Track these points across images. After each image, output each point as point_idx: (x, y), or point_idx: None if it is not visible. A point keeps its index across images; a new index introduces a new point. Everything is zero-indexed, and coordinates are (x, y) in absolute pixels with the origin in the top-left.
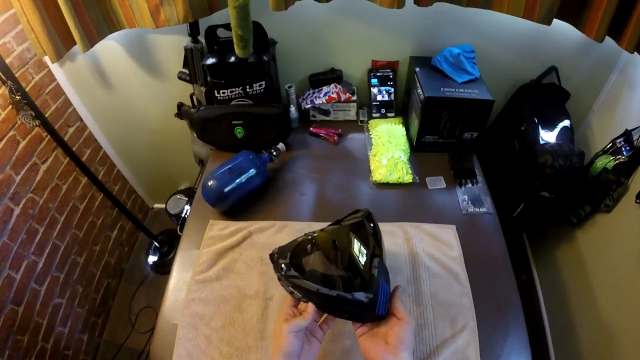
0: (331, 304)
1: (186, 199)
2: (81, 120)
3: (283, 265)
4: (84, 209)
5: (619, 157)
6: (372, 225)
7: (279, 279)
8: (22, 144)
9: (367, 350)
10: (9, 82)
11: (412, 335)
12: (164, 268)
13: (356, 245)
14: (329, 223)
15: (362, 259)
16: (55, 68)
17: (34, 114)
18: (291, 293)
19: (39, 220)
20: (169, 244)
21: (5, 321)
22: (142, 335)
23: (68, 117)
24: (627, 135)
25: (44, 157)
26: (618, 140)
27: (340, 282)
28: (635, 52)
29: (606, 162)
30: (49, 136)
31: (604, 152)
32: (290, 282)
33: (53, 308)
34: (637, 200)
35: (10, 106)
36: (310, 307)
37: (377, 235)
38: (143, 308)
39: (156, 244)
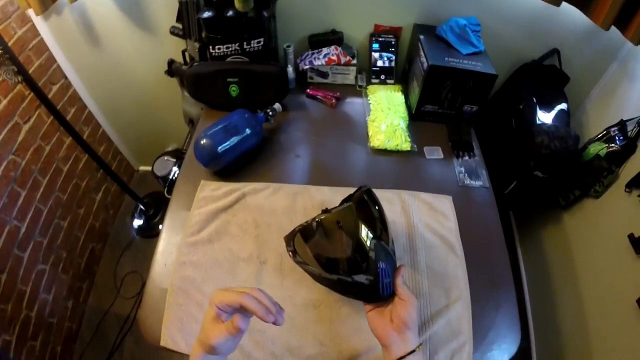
0: (336, 286)
1: (174, 160)
2: (66, 77)
3: (290, 252)
4: (68, 171)
5: (612, 145)
6: (377, 208)
7: None
8: (3, 102)
9: (374, 328)
10: None
11: (416, 315)
12: (149, 232)
13: (364, 231)
14: (335, 207)
15: (369, 243)
16: (39, 22)
17: (16, 70)
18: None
19: (21, 183)
20: (155, 207)
21: None
22: (128, 300)
23: (52, 74)
24: (622, 125)
25: (26, 116)
26: (612, 129)
27: (346, 265)
28: None
29: (599, 149)
30: (31, 94)
31: (598, 139)
32: (301, 267)
33: (37, 275)
34: (627, 189)
35: None
36: (237, 324)
37: (382, 218)
38: (128, 273)
39: (142, 207)
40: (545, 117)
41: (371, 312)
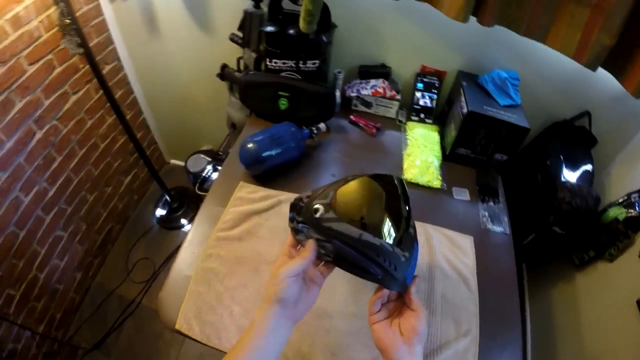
0: (360, 258)
1: (209, 159)
2: (119, 60)
3: (318, 206)
4: (104, 149)
5: (631, 211)
6: (407, 208)
7: (294, 222)
8: (58, 70)
9: (380, 339)
10: (61, 3)
11: (425, 328)
12: (170, 224)
13: (386, 226)
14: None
15: (390, 240)
16: (104, 3)
17: (79, 41)
18: (300, 241)
19: (59, 149)
20: (179, 201)
21: (4, 242)
22: (136, 284)
23: (107, 54)
24: None
25: (76, 88)
26: (633, 195)
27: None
28: None
29: (618, 212)
30: (84, 68)
31: (619, 203)
32: (323, 226)
33: (54, 239)
34: None
35: (57, 28)
36: (308, 248)
37: (409, 218)
38: (141, 259)
39: (167, 197)
40: (570, 175)
41: (377, 323)
